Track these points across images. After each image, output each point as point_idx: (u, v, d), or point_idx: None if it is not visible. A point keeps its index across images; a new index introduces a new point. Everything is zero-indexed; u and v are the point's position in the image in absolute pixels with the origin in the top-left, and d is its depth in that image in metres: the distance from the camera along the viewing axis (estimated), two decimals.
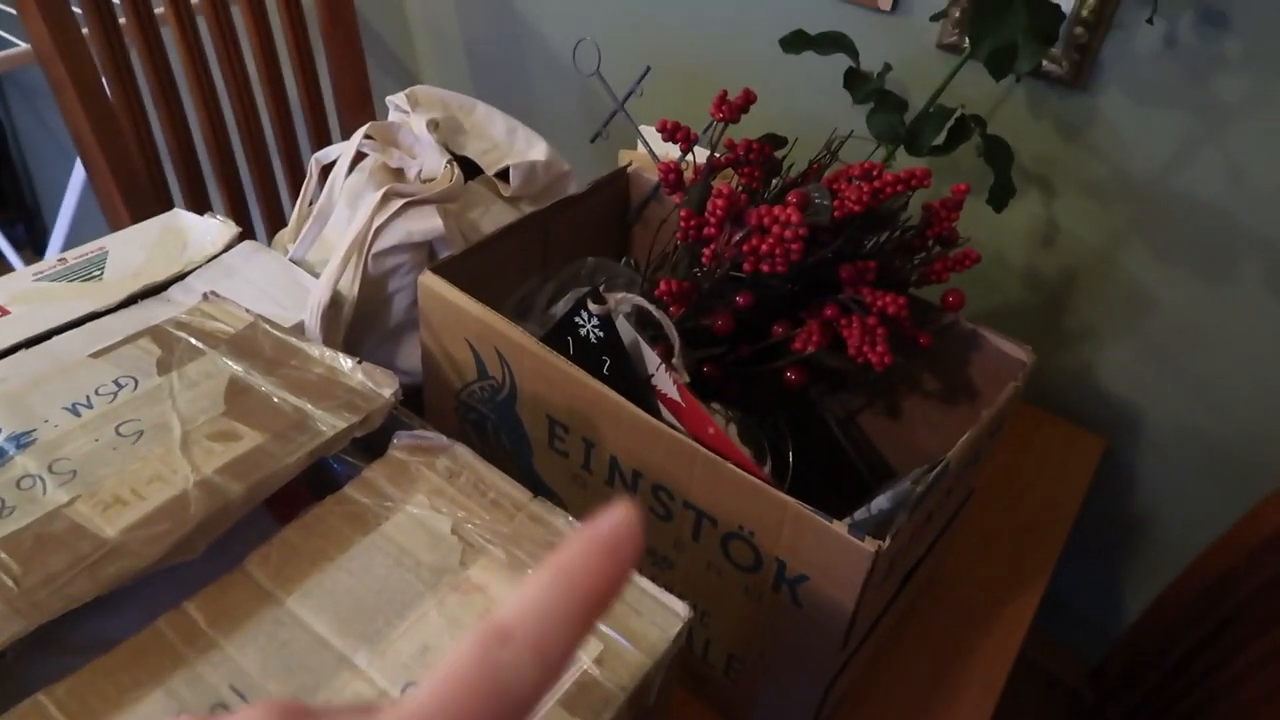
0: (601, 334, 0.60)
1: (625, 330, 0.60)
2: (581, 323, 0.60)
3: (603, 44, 0.83)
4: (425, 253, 0.74)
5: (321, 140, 1.24)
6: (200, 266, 0.72)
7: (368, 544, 0.43)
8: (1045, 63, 0.86)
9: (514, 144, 0.80)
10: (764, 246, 0.55)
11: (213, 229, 0.76)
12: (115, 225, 1.04)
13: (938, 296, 0.70)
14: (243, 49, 1.12)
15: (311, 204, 0.81)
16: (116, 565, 0.39)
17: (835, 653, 0.59)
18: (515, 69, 1.27)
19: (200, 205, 1.13)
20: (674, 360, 0.59)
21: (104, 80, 0.98)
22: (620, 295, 0.57)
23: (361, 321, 0.74)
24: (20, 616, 0.37)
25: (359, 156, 0.77)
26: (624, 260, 0.90)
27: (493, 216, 0.77)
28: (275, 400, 0.48)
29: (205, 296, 0.56)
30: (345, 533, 0.43)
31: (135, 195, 1.02)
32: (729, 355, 0.65)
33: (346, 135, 1.27)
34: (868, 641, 0.67)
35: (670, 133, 0.65)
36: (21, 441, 0.45)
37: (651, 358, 0.60)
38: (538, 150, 0.79)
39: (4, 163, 2.21)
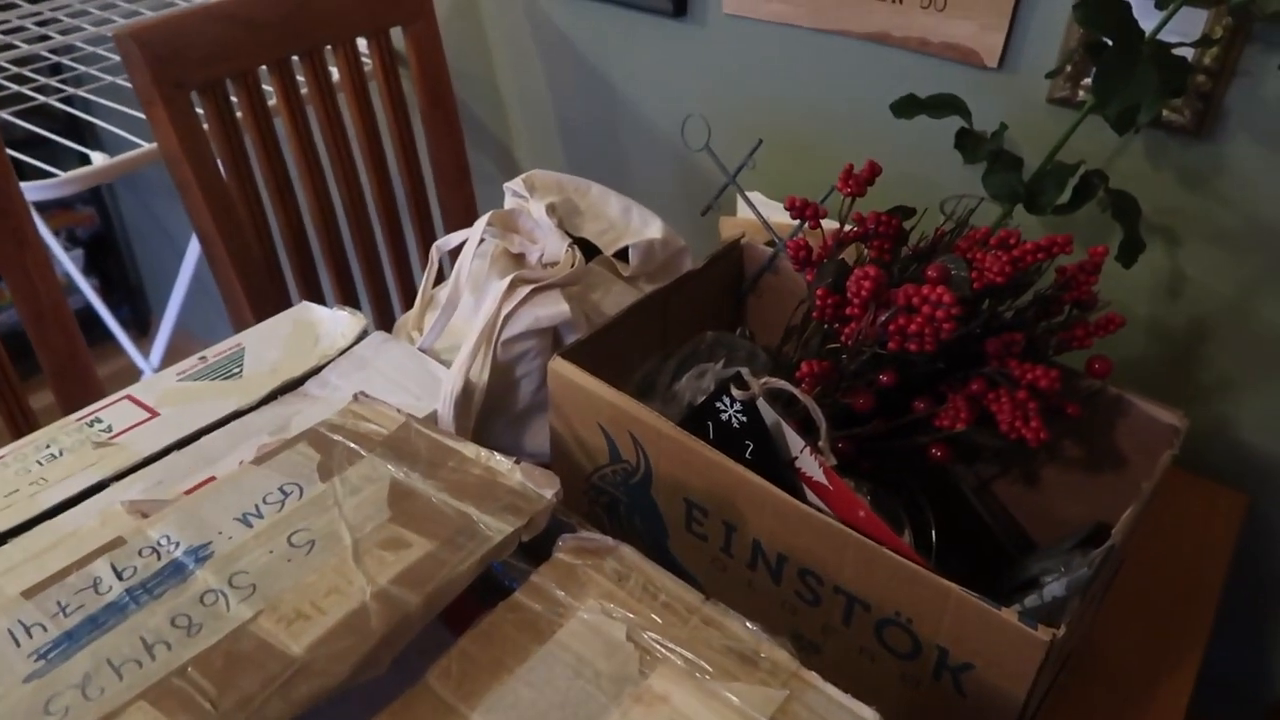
0: (745, 419, 0.59)
1: (768, 413, 0.59)
2: (723, 408, 0.59)
3: (701, 117, 0.83)
4: (550, 337, 0.74)
5: (423, 219, 1.27)
6: (333, 360, 0.74)
7: (545, 654, 0.42)
8: (1165, 112, 0.84)
9: (629, 223, 0.80)
10: (912, 326, 0.54)
11: (342, 321, 0.77)
12: (235, 312, 1.08)
13: (1075, 362, 0.68)
14: (348, 135, 1.16)
15: (434, 289, 0.82)
16: (307, 685, 0.39)
17: None
18: (609, 144, 1.29)
19: (312, 289, 1.16)
20: (820, 443, 0.57)
21: (223, 174, 1.02)
22: (764, 380, 0.57)
23: (489, 407, 0.75)
24: None
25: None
26: (739, 331, 0.89)
27: (614, 297, 0.78)
28: (438, 504, 0.48)
29: (355, 398, 0.57)
30: (521, 642, 0.43)
31: (254, 283, 1.05)
32: (865, 432, 0.64)
33: (446, 213, 1.30)
34: None
35: (799, 210, 0.64)
36: (200, 555, 0.46)
37: (795, 440, 0.59)
38: (653, 228, 0.80)
39: (111, 248, 2.31)
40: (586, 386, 0.66)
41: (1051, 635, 0.51)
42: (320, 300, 1.18)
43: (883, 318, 0.55)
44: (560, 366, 0.67)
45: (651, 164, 1.26)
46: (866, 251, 0.66)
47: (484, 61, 1.35)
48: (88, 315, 1.92)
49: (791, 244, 0.65)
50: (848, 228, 0.65)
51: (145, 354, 1.82)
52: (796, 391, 0.56)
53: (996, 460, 0.76)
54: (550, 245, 0.76)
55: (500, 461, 0.51)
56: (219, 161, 1.01)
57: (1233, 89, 0.82)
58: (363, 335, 0.77)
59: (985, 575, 0.74)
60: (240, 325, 1.07)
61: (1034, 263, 0.60)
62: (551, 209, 0.76)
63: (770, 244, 0.87)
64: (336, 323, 0.78)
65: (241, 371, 0.73)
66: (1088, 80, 0.87)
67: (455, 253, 0.79)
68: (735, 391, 0.57)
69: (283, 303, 1.11)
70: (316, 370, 0.73)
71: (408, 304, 1.29)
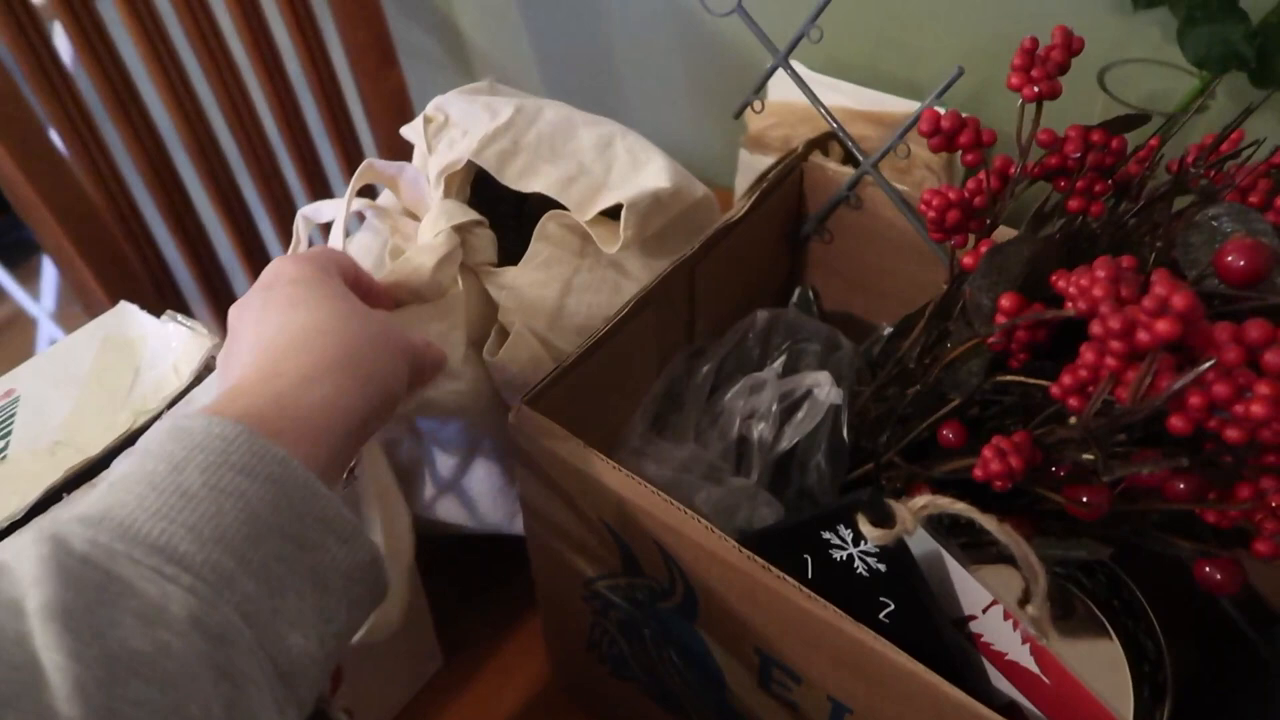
0: (882, 567, 0.31)
1: (922, 542, 0.31)
2: (841, 545, 0.31)
3: None
4: None
5: (341, 129, 0.95)
6: (159, 414, 0.45)
7: None
8: None
9: (611, 165, 0.49)
10: (1255, 406, 0.25)
11: (176, 340, 0.48)
12: (84, 294, 0.78)
13: None
14: (216, 20, 0.83)
15: None
16: None
17: None
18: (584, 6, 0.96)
19: (197, 250, 0.86)
20: (1029, 607, 0.30)
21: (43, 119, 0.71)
22: (922, 503, 0.28)
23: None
24: None
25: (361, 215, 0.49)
26: (796, 296, 0.60)
27: (595, 288, 0.48)
28: None
29: None
30: None
31: (102, 253, 0.75)
32: (1080, 558, 0.36)
33: (372, 115, 0.98)
34: None
35: (947, 134, 0.34)
36: None
37: (976, 591, 0.31)
38: (652, 171, 0.49)
39: None
40: (573, 463, 0.38)
41: None
42: (209, 273, 0.88)
43: (1176, 383, 0.26)
44: (527, 425, 0.39)
45: (648, 44, 0.94)
46: (1058, 199, 0.37)
47: None
48: None
49: (931, 199, 0.35)
50: (1032, 159, 0.36)
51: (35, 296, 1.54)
52: (996, 530, 0.28)
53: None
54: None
55: None
56: (20, 81, 0.70)
57: None
58: (213, 362, 0.48)
59: (1217, 676, 0.48)
60: (93, 307, 0.78)
61: None
62: (453, 176, 0.45)
63: (815, 142, 0.58)
64: (166, 342, 0.49)
65: (6, 450, 0.44)
66: None
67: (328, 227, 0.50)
68: (867, 528, 0.29)
69: (139, 285, 0.80)
70: (132, 438, 0.45)
71: None
